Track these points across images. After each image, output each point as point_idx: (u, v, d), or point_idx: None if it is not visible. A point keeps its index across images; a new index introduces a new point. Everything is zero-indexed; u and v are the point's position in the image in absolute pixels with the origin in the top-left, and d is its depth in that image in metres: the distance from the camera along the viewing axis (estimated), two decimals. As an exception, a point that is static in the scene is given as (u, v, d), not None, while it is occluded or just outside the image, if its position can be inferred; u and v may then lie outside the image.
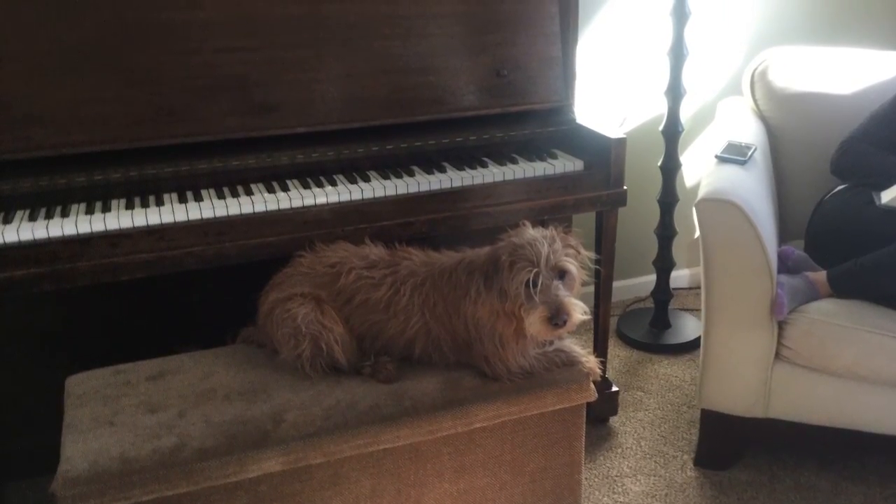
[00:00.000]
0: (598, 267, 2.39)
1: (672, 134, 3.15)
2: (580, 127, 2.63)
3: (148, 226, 2.12)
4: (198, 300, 2.56)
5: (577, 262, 1.93)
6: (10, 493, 2.54)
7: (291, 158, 2.39)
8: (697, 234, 2.45)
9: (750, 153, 2.67)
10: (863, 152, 2.67)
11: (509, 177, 2.43)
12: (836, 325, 2.35)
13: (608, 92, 3.33)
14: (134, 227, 2.11)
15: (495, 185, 2.42)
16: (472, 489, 2.10)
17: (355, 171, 2.42)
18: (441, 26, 2.47)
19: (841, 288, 2.46)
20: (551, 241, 1.89)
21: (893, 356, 2.33)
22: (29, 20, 2.12)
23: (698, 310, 3.44)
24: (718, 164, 2.64)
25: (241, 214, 2.20)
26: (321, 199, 2.27)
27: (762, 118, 3.07)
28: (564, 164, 2.50)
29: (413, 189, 2.35)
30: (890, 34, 3.54)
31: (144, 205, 2.18)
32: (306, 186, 2.31)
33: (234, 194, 2.25)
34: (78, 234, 2.07)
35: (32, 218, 2.10)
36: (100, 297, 2.40)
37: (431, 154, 2.52)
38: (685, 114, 3.18)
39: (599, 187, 2.51)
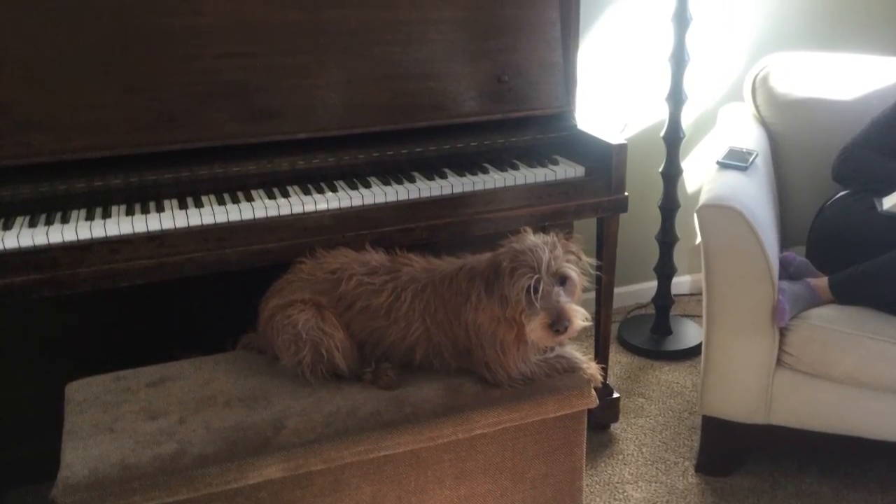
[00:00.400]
0: (599, 273, 2.39)
1: (673, 140, 3.15)
2: (581, 133, 2.63)
3: (148, 232, 2.12)
4: (198, 306, 2.56)
5: (578, 268, 1.93)
6: (11, 499, 2.53)
7: (292, 164, 2.39)
8: (699, 240, 2.45)
9: (751, 159, 2.67)
10: (864, 158, 2.66)
11: (510, 183, 2.43)
12: (838, 331, 2.35)
13: (609, 98, 3.33)
14: (134, 233, 2.11)
15: (496, 191, 2.41)
16: (473, 496, 2.09)
17: (356, 177, 2.42)
18: (442, 32, 2.47)
19: (842, 294, 2.46)
20: (552, 248, 1.89)
21: (895, 362, 2.32)
22: (30, 26, 2.12)
23: (699, 316, 3.43)
24: (720, 170, 2.64)
25: (242, 220, 2.20)
26: (322, 205, 2.27)
27: (763, 124, 3.06)
28: (565, 171, 2.49)
29: (414, 195, 2.35)
30: (891, 40, 3.54)
31: (145, 211, 2.18)
32: (307, 192, 2.31)
33: (235, 200, 2.25)
34: (78, 241, 2.06)
35: (32, 224, 2.10)
36: (100, 303, 2.40)
37: (432, 160, 2.52)
38: (686, 120, 3.18)
39: (600, 193, 2.51)
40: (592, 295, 2.66)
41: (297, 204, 2.25)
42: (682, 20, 2.98)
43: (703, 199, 2.41)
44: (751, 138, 2.90)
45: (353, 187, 2.35)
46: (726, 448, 2.63)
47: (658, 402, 3.05)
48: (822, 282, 2.50)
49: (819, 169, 2.83)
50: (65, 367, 2.24)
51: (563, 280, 1.89)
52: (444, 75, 2.49)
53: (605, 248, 2.62)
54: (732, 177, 2.57)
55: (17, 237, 2.02)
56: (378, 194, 2.32)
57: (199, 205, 2.22)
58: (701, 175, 3.43)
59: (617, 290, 3.00)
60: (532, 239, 1.92)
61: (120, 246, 2.09)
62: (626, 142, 2.49)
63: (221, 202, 2.24)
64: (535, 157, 2.58)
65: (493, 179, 2.42)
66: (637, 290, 3.71)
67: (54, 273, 2.04)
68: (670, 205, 3.26)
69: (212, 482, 1.80)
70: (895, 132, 2.66)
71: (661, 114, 3.16)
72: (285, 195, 2.29)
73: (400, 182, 2.38)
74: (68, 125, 2.15)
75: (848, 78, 2.98)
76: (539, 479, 2.14)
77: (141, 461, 1.80)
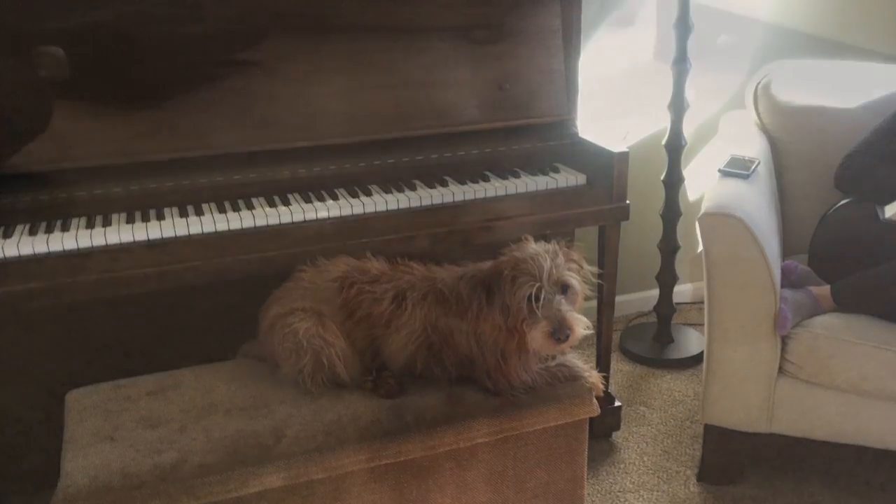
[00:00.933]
0: (600, 281, 2.38)
1: (675, 148, 3.15)
2: (582, 141, 2.63)
3: (149, 240, 2.12)
4: (198, 315, 2.55)
5: (579, 276, 1.93)
6: (10, 508, 2.53)
7: (293, 172, 2.39)
8: (700, 248, 2.44)
9: (753, 167, 2.66)
10: (867, 166, 2.66)
11: (511, 191, 2.43)
12: (840, 339, 2.34)
13: (611, 106, 3.32)
14: (134, 242, 2.11)
15: (497, 199, 2.41)
16: (474, 505, 2.09)
17: (357, 186, 2.42)
18: (443, 40, 2.47)
19: (844, 302, 2.45)
20: (553, 256, 1.89)
21: (898, 371, 2.32)
22: (30, 34, 2.12)
23: (701, 324, 3.42)
24: (721, 178, 2.64)
25: (243, 229, 2.19)
26: (322, 214, 2.26)
27: (765, 132, 3.06)
28: (567, 179, 2.49)
29: (415, 203, 2.34)
30: (894, 47, 3.54)
31: (145, 219, 2.18)
32: (308, 200, 2.30)
33: (236, 208, 2.25)
34: (78, 249, 2.06)
35: (32, 232, 2.09)
36: (100, 311, 2.40)
37: (433, 168, 2.52)
38: (688, 128, 3.17)
39: (602, 201, 2.50)
40: (594, 303, 2.65)
41: (298, 212, 2.24)
42: (683, 27, 2.97)
43: (704, 208, 2.40)
44: (753, 146, 2.90)
45: (354, 195, 2.35)
46: (728, 457, 2.62)
47: (660, 410, 3.04)
48: (824, 290, 2.49)
49: (821, 177, 2.83)
50: (65, 375, 2.24)
51: (564, 288, 1.89)
52: (445, 83, 2.49)
53: (606, 256, 2.61)
54: (734, 185, 2.57)
55: (17, 245, 2.02)
56: (379, 202, 2.32)
57: (199, 213, 2.22)
58: (703, 183, 3.42)
59: (618, 299, 2.99)
60: (533, 247, 1.92)
61: (120, 254, 2.08)
62: (627, 150, 2.49)
63: (222, 210, 2.24)
64: (537, 165, 2.57)
65: (494, 187, 2.42)
66: (639, 299, 3.70)
67: (54, 281, 2.04)
68: (672, 213, 3.26)
69: (212, 491, 1.80)
70: (897, 140, 2.66)
71: (663, 121, 3.16)
72: (286, 203, 2.29)
73: (401, 190, 2.38)
74: (69, 134, 2.15)
75: (850, 85, 2.98)
76: (540, 488, 2.14)
77: (141, 470, 1.80)
